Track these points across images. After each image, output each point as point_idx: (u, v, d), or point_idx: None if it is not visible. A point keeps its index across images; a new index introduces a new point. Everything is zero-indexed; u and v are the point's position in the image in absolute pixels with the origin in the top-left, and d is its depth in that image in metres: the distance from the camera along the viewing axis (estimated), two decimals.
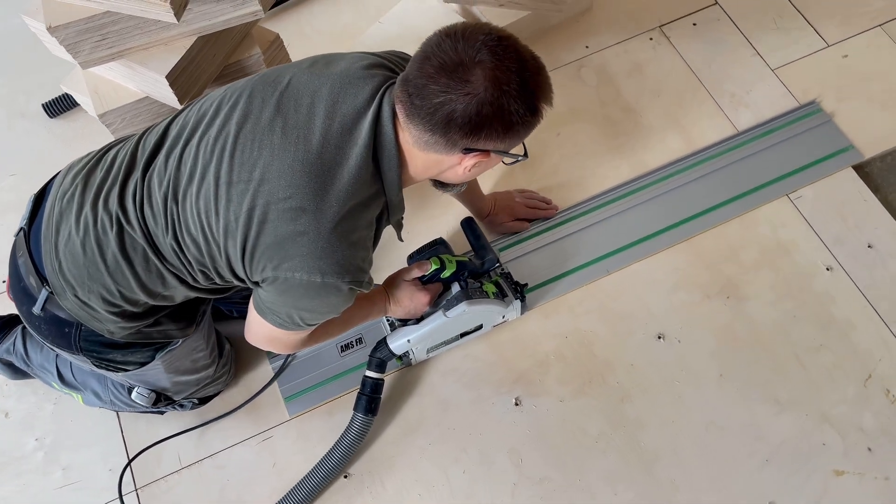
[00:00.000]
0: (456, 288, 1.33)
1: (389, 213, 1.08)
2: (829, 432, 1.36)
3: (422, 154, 0.99)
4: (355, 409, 1.34)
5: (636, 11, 1.84)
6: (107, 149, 1.14)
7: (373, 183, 1.01)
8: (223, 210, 0.99)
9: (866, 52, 1.76)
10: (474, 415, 1.42)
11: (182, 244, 1.04)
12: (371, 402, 1.34)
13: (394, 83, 1.01)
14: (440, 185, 1.29)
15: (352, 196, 0.99)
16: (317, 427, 1.44)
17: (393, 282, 1.30)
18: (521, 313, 1.47)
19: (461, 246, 1.49)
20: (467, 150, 0.97)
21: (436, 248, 1.36)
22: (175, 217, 1.03)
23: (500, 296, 1.40)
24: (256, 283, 1.06)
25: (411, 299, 1.29)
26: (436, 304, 1.34)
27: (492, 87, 0.90)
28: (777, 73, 1.75)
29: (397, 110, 0.97)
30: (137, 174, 1.05)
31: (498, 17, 1.73)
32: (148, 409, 1.37)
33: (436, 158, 0.99)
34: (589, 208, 1.60)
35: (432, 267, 1.29)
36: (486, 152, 0.98)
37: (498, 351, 1.47)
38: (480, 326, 1.43)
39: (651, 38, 1.80)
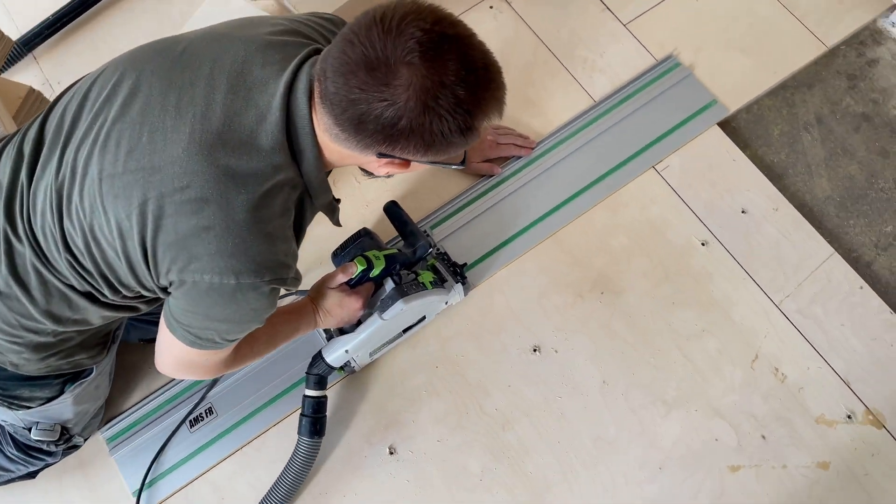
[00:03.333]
0: (389, 285, 1.19)
1: (311, 196, 0.93)
2: (720, 426, 1.28)
3: (333, 145, 0.85)
4: (299, 432, 1.21)
5: None
6: None
7: (286, 163, 0.86)
8: (111, 208, 0.84)
9: None
10: (346, 472, 1.28)
11: (78, 256, 0.90)
12: (315, 422, 1.21)
13: (316, 53, 0.88)
14: (367, 171, 1.09)
15: (259, 179, 0.84)
16: (263, 456, 1.29)
17: (318, 291, 1.16)
18: (465, 294, 1.34)
19: (390, 232, 1.33)
20: (382, 156, 0.83)
21: (360, 241, 1.21)
22: (64, 227, 0.88)
23: (439, 283, 1.27)
24: (165, 290, 0.91)
25: (341, 307, 1.15)
26: (370, 306, 1.20)
27: (415, 99, 0.75)
28: (630, 28, 1.59)
29: (315, 88, 0.83)
30: (23, 180, 0.91)
31: (314, 9, 1.51)
32: (14, 478, 1.21)
33: (349, 153, 0.86)
34: (445, 215, 1.44)
35: (358, 268, 1.14)
36: (404, 161, 0.84)
37: (365, 393, 1.33)
38: (423, 318, 1.30)
39: (491, 7, 1.61)
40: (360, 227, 1.25)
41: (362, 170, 1.03)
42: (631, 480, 1.25)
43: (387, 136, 0.79)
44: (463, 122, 0.78)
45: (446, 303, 1.33)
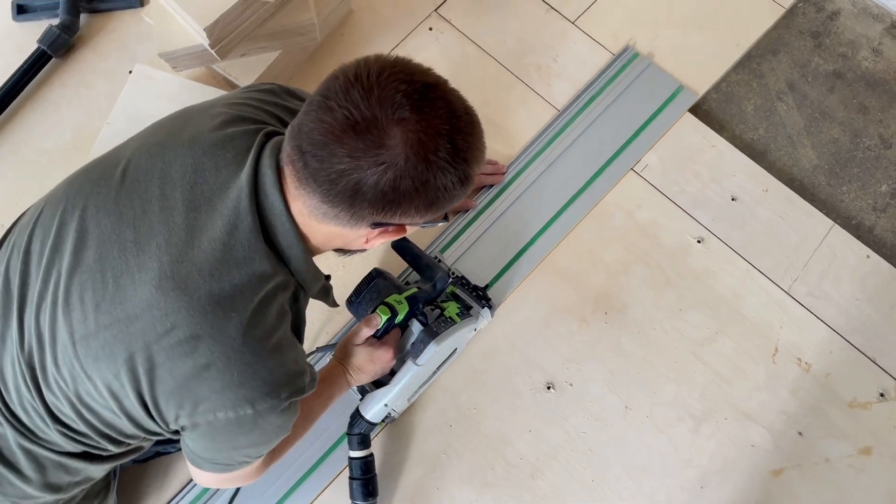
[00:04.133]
0: (417, 327, 1.13)
1: (304, 289, 0.86)
2: (753, 430, 1.22)
3: (320, 226, 0.78)
4: (352, 498, 1.15)
5: (405, 2, 1.54)
6: None
7: (273, 268, 0.78)
8: (95, 372, 0.76)
9: None
10: None
11: (70, 424, 0.82)
12: (367, 484, 1.15)
13: (269, 137, 0.81)
14: (345, 250, 1.01)
15: (248, 292, 0.76)
16: None
17: (345, 351, 1.08)
18: (492, 317, 1.28)
19: (398, 264, 1.27)
20: (377, 225, 0.75)
21: (374, 283, 1.14)
22: (46, 400, 0.80)
23: (465, 311, 1.20)
24: (177, 432, 0.84)
25: (373, 362, 1.08)
26: (400, 350, 1.14)
27: (415, 155, 0.69)
28: (578, 24, 1.51)
29: (285, 172, 0.75)
30: None
31: (246, 71, 1.41)
32: None
33: (337, 231, 0.78)
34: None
35: (383, 319, 1.07)
36: (400, 226, 0.77)
37: (381, 467, 1.25)
38: (455, 349, 1.23)
39: (431, 28, 1.52)
40: (371, 269, 1.18)
41: (338, 251, 0.95)
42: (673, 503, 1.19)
43: (387, 202, 0.71)
44: (463, 172, 0.72)
45: (475, 329, 1.27)
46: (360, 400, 1.16)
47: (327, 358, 1.28)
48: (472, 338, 1.28)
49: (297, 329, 0.87)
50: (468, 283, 1.28)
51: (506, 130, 1.44)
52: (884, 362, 1.24)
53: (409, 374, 1.13)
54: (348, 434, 1.15)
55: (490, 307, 1.26)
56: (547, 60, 1.48)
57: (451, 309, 1.18)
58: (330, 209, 0.73)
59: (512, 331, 1.31)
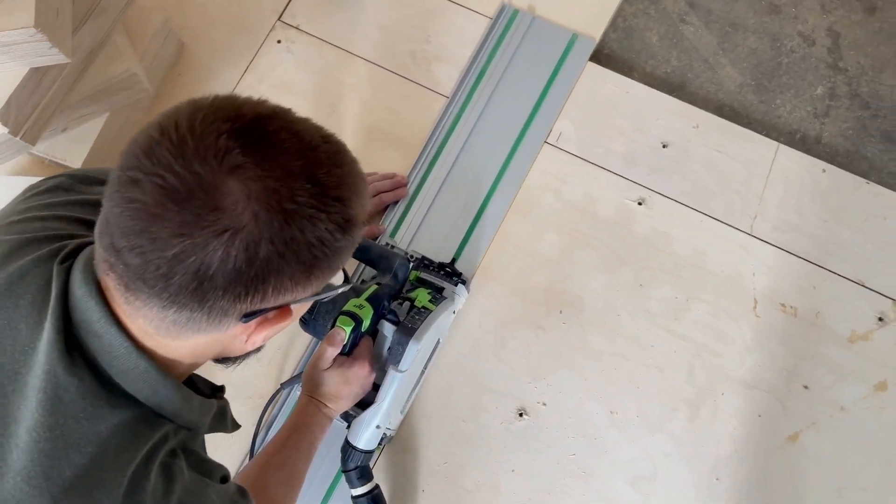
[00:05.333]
0: (388, 328, 0.97)
1: (194, 429, 0.65)
2: (756, 398, 1.07)
3: (177, 343, 0.58)
4: None
5: (240, 19, 1.32)
6: None
7: (135, 428, 0.58)
8: None
9: None
10: None
11: None
12: None
13: (75, 253, 0.61)
14: (225, 360, 0.77)
15: (111, 466, 0.56)
16: None
17: (313, 382, 0.93)
18: (468, 292, 1.12)
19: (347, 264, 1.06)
20: (250, 316, 0.55)
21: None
22: None
23: (438, 296, 1.04)
24: None
25: (348, 383, 0.93)
26: (377, 360, 0.98)
27: (266, 209, 0.51)
28: None
29: (109, 287, 0.56)
30: None
31: (74, 146, 1.17)
32: None
33: (203, 341, 0.58)
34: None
35: (346, 332, 0.92)
36: (282, 309, 0.57)
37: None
38: (438, 341, 1.07)
39: (279, 41, 1.30)
40: None
41: (218, 360, 0.74)
42: (692, 497, 1.04)
43: (248, 281, 0.52)
44: (340, 215, 0.54)
45: (454, 312, 1.09)
46: (348, 428, 0.98)
47: (296, 393, 1.10)
48: (452, 322, 1.11)
49: (201, 467, 0.66)
50: (431, 262, 1.10)
51: (396, 136, 1.24)
52: (874, 283, 1.10)
53: (395, 385, 0.96)
54: (344, 472, 0.98)
55: (463, 282, 1.09)
56: (419, 44, 1.29)
57: (422, 297, 1.01)
58: (178, 315, 0.53)
59: (463, 363, 1.12)
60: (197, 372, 0.69)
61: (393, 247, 1.15)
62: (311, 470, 0.92)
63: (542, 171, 1.19)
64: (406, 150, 1.22)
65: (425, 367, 1.07)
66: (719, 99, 1.23)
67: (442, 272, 1.09)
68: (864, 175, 1.15)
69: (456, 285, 1.08)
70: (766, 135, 1.18)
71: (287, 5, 1.32)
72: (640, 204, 1.17)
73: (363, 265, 1.15)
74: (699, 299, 1.12)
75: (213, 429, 0.71)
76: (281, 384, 1.06)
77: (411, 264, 1.05)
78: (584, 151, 1.20)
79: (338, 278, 0.67)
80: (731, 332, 1.10)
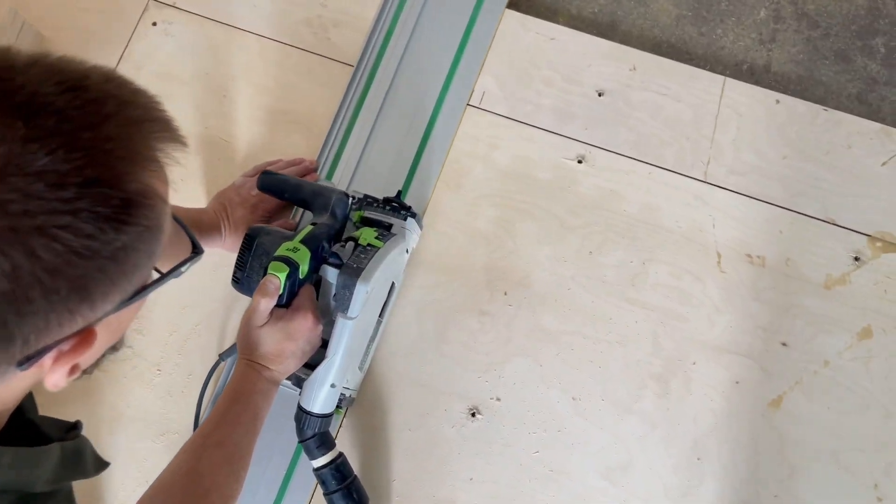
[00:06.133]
0: (331, 272, 0.85)
1: (22, 488, 0.52)
2: (731, 363, 0.96)
3: None
4: None
5: (106, 2, 1.15)
6: None
7: None
8: None
9: None
10: None
11: None
12: (349, 493, 0.86)
13: None
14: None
15: None
16: None
17: (248, 342, 0.80)
18: (421, 228, 0.99)
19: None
20: (27, 363, 0.41)
21: (257, 244, 0.85)
22: None
23: (386, 233, 0.91)
24: None
25: (291, 339, 0.80)
26: (324, 313, 0.86)
27: None
28: None
29: None
30: None
31: None
32: None
33: None
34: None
35: (281, 278, 0.79)
36: (80, 339, 0.43)
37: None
38: (393, 284, 0.95)
39: (154, 23, 1.13)
40: (248, 229, 0.87)
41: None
42: (675, 494, 0.92)
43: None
44: (104, 198, 0.38)
45: (408, 251, 0.96)
46: (300, 393, 0.86)
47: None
48: (407, 262, 0.98)
49: None
50: (375, 199, 0.96)
51: (300, 117, 1.09)
52: (845, 219, 0.99)
53: (346, 335, 0.83)
54: (301, 441, 0.86)
55: (413, 215, 0.95)
56: (315, 10, 1.13)
57: (367, 235, 0.88)
58: None
59: (401, 365, 0.99)
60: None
61: (330, 185, 1.00)
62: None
63: (469, 138, 1.06)
64: (312, 132, 1.08)
65: (382, 316, 0.95)
66: (655, 35, 1.10)
67: (388, 207, 0.95)
68: (822, 101, 1.04)
69: (405, 220, 0.94)
70: (711, 69, 1.06)
71: None
72: (580, 162, 1.04)
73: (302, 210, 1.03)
74: (657, 260, 1.00)
75: (64, 477, 0.57)
76: (219, 355, 0.94)
77: (352, 201, 0.94)
78: (512, 110, 1.06)
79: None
80: (695, 292, 0.98)
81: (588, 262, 1.00)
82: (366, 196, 0.96)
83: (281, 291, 0.80)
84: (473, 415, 0.96)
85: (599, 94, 1.06)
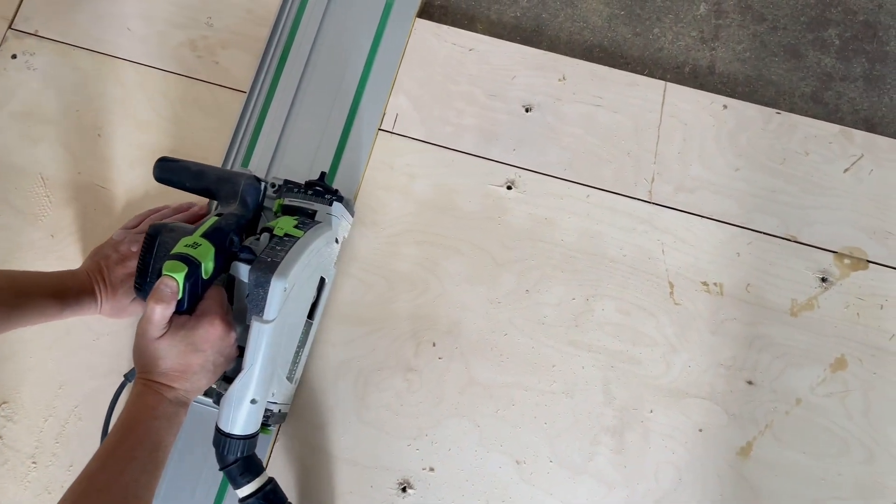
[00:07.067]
0: (242, 269, 0.74)
1: None
2: (692, 408, 0.84)
3: None
4: None
5: None
6: None
7: None
8: None
9: None
10: None
11: None
12: None
13: None
14: None
15: None
16: None
17: (144, 357, 0.69)
18: (353, 214, 0.88)
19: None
20: None
21: (159, 243, 0.74)
22: None
23: (308, 220, 0.79)
24: None
25: (198, 349, 0.70)
26: (237, 318, 0.75)
27: None
28: None
29: None
30: None
31: None
32: None
33: None
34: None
35: (178, 280, 0.68)
36: None
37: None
38: (323, 280, 0.83)
39: (14, 56, 0.98)
40: (148, 227, 0.76)
41: None
42: None
43: None
44: None
45: (337, 240, 0.84)
46: (218, 411, 0.73)
47: None
48: (338, 252, 0.86)
49: None
50: (296, 184, 0.83)
51: (189, 153, 0.94)
52: (807, 236, 0.88)
53: (264, 342, 0.70)
54: (223, 469, 0.73)
55: (340, 199, 0.83)
56: (199, 31, 0.99)
57: (285, 224, 0.76)
58: None
59: (317, 438, 0.85)
60: None
61: (242, 172, 0.87)
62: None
63: (383, 167, 0.93)
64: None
65: (312, 318, 0.83)
66: (585, 39, 0.98)
67: (311, 192, 0.82)
68: (773, 104, 0.93)
69: (330, 204, 0.81)
70: (650, 74, 0.94)
71: (18, 7, 1.00)
72: (509, 188, 0.91)
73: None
74: (602, 295, 0.88)
75: None
76: (125, 375, 0.80)
77: (263, 186, 0.82)
78: (429, 134, 0.93)
79: None
80: (647, 330, 0.86)
81: (525, 302, 0.88)
82: (286, 181, 0.83)
83: (180, 295, 0.68)
84: (405, 489, 0.83)
85: (527, 110, 0.94)
